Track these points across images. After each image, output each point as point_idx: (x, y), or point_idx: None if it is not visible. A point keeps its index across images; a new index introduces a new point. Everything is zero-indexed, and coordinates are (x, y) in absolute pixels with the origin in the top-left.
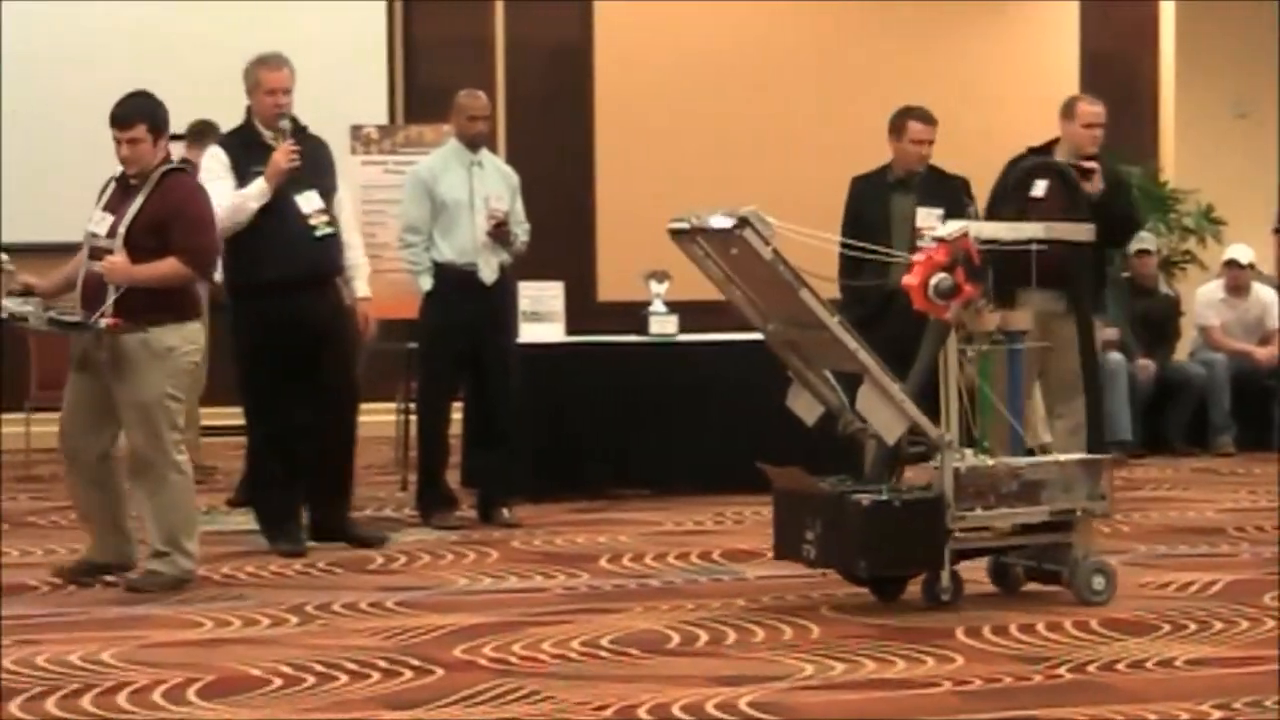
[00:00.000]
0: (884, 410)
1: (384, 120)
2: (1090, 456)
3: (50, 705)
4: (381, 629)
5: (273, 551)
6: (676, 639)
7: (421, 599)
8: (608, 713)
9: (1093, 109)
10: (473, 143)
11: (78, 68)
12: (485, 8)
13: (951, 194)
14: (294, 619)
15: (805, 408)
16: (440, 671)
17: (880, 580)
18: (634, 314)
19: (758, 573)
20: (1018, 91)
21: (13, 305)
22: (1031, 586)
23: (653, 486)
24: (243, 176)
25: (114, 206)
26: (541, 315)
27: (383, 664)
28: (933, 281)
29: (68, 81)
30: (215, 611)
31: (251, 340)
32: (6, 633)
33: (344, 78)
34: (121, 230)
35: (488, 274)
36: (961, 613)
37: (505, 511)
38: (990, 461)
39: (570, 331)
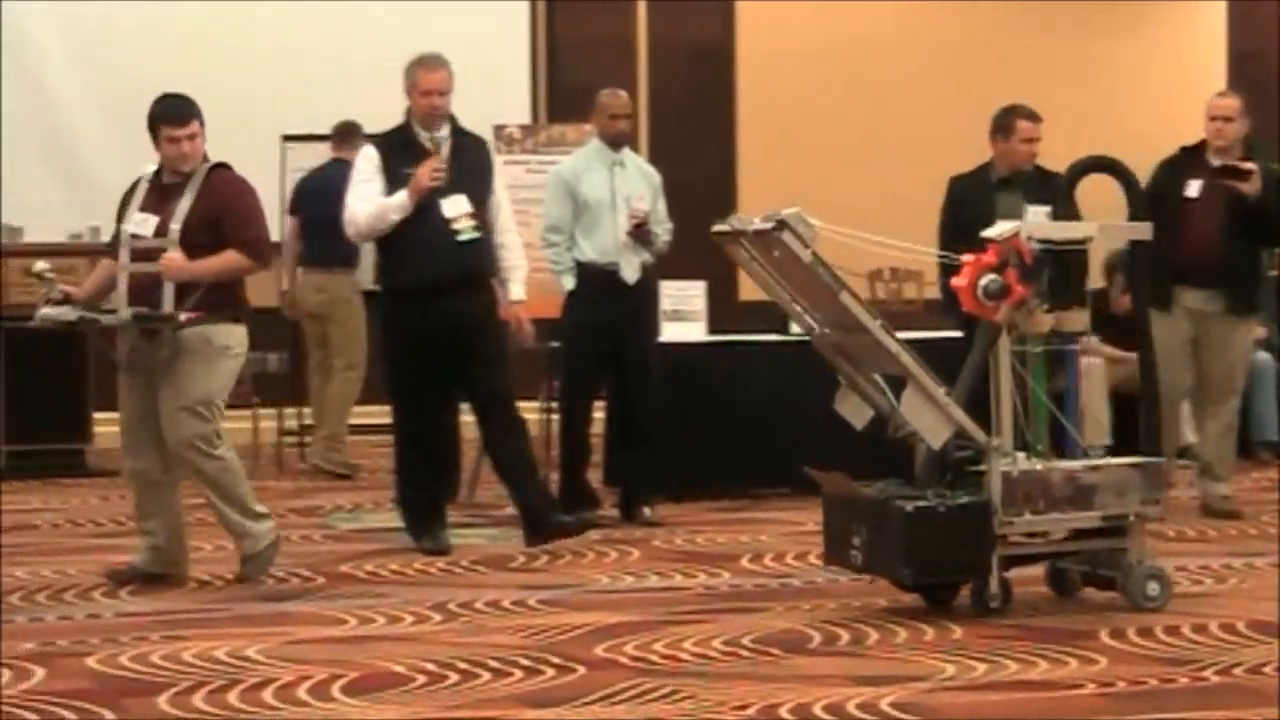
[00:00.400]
0: (928, 414)
1: (527, 120)
2: (1145, 459)
3: (198, 700)
4: (523, 627)
5: (417, 549)
6: (818, 638)
7: (563, 597)
8: (749, 712)
9: (1218, 101)
10: (615, 141)
11: (214, 70)
12: (628, 8)
13: (1057, 192)
14: (437, 616)
15: (853, 411)
16: (582, 670)
17: (929, 586)
18: (775, 313)
19: None
20: (1165, 91)
21: (51, 312)
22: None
23: (794, 485)
24: (394, 177)
25: (153, 206)
26: (683, 314)
27: (525, 662)
28: (981, 283)
29: (202, 79)
30: (359, 609)
31: (395, 342)
32: (155, 628)
33: (487, 78)
34: (176, 228)
35: (629, 273)
36: (1105, 614)
37: (647, 510)
38: (1040, 465)
39: (712, 331)
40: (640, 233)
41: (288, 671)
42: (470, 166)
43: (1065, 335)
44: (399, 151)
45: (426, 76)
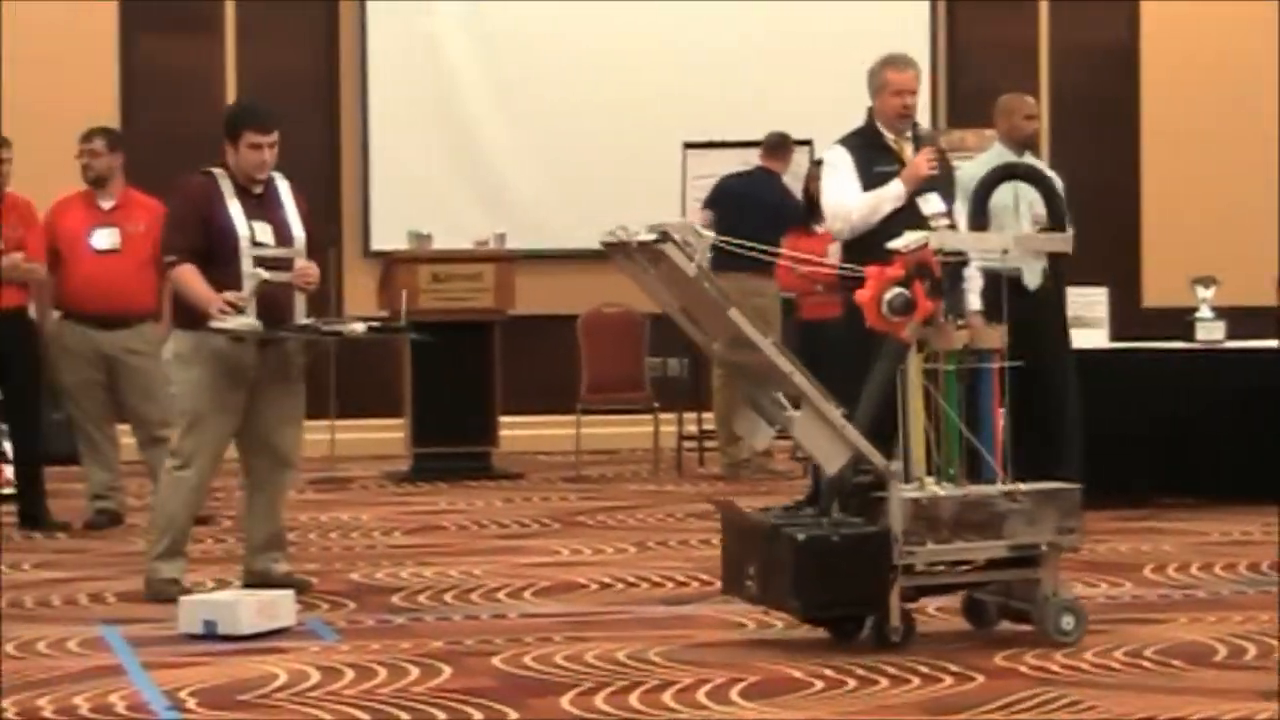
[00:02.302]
0: (823, 438)
1: (927, 124)
2: (1059, 486)
3: (599, 700)
4: (921, 634)
5: None
6: (1223, 651)
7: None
8: None
9: None
10: (1023, 143)
11: (618, 76)
12: (1030, 10)
13: None
14: None
15: (751, 431)
16: (980, 678)
17: (830, 620)
18: (1180, 319)
19: None
20: None
21: (247, 321)
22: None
23: (1199, 495)
24: (867, 176)
25: (257, 215)
26: (1085, 320)
27: (923, 669)
28: (886, 297)
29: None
30: (758, 613)
31: (861, 345)
32: (558, 629)
33: None
34: (301, 235)
35: (1031, 279)
36: None
37: None
38: (942, 492)
39: (1114, 337)
40: None
41: (687, 674)
42: (937, 167)
43: (980, 353)
44: (869, 151)
45: (896, 76)
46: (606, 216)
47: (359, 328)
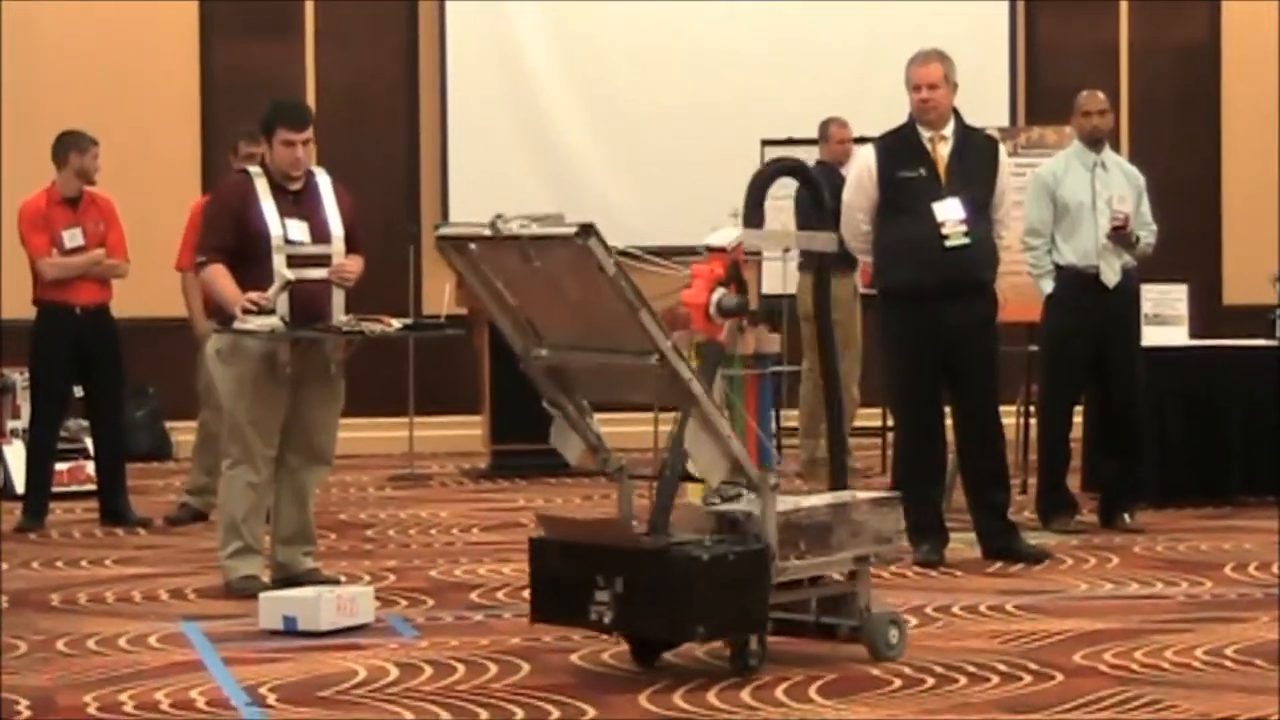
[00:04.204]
0: (710, 449)
1: (1005, 122)
2: (881, 495)
3: (677, 698)
4: (1000, 632)
5: (915, 557)
6: None
7: (1041, 603)
8: None
9: None
10: (1093, 139)
11: (695, 73)
12: (1110, 9)
13: None
14: (913, 620)
15: (563, 443)
16: (1059, 677)
17: (640, 642)
18: (1261, 317)
19: None
20: None
21: (268, 321)
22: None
23: None
24: (888, 181)
25: (292, 213)
26: (1164, 318)
27: (1001, 668)
28: (715, 298)
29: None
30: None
31: (887, 345)
32: None
33: (967, 79)
34: (339, 232)
35: (1110, 276)
36: None
37: (1127, 516)
38: (803, 503)
39: (1194, 335)
40: (1120, 235)
41: (765, 672)
42: (971, 169)
43: (765, 357)
44: (897, 154)
45: (916, 71)
46: (686, 215)
47: (394, 324)
